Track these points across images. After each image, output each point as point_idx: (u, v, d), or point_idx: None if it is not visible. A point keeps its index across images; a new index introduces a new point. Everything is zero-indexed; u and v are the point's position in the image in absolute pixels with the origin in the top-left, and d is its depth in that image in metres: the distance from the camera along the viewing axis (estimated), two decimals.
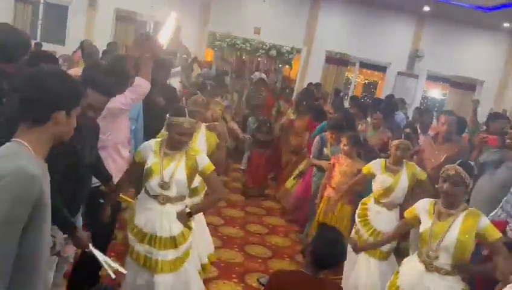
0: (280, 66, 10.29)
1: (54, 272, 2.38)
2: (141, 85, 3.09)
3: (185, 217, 2.71)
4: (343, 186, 3.93)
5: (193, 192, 3.23)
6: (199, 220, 3.31)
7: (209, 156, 2.98)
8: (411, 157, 3.92)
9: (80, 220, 2.56)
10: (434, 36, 10.49)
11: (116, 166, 2.98)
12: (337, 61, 10.56)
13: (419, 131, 5.14)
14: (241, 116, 8.26)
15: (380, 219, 3.44)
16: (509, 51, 10.68)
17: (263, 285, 3.47)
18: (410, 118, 7.09)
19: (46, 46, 8.16)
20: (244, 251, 4.45)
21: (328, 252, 2.09)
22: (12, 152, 1.39)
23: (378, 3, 10.11)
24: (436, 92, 12.97)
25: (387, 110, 5.93)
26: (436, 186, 2.58)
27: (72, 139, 1.62)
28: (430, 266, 2.47)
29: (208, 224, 3.82)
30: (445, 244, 2.42)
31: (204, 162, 2.75)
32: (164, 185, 2.65)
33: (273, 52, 9.82)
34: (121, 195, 2.96)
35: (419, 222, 2.63)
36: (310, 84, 9.05)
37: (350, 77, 11.94)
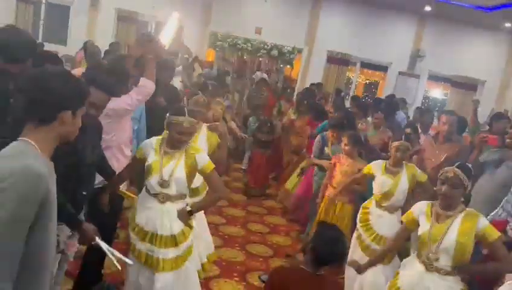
0: (281, 66, 10.31)
1: (56, 270, 2.40)
2: (146, 86, 3.13)
3: (185, 216, 2.72)
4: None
5: (194, 192, 3.25)
6: (200, 220, 3.32)
7: (210, 156, 2.98)
8: (410, 158, 3.93)
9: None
10: (435, 36, 10.46)
11: (119, 165, 3.00)
12: (338, 61, 10.53)
13: (419, 131, 5.15)
14: (242, 116, 8.26)
15: (382, 223, 3.43)
16: (510, 51, 10.64)
17: (264, 282, 3.48)
18: (411, 118, 7.09)
19: (48, 47, 8.15)
20: (246, 249, 4.47)
21: (328, 249, 2.11)
22: (19, 151, 1.40)
23: (379, 3, 10.09)
24: (437, 92, 12.93)
25: (388, 110, 5.93)
26: (435, 188, 2.58)
27: (75, 139, 1.63)
28: (430, 267, 2.48)
29: (210, 223, 3.84)
30: (445, 246, 2.43)
31: (203, 160, 2.75)
32: (164, 184, 2.66)
33: (275, 52, 9.83)
34: (124, 191, 2.98)
35: (418, 225, 2.63)
36: (312, 84, 9.04)
37: (351, 77, 11.91)
